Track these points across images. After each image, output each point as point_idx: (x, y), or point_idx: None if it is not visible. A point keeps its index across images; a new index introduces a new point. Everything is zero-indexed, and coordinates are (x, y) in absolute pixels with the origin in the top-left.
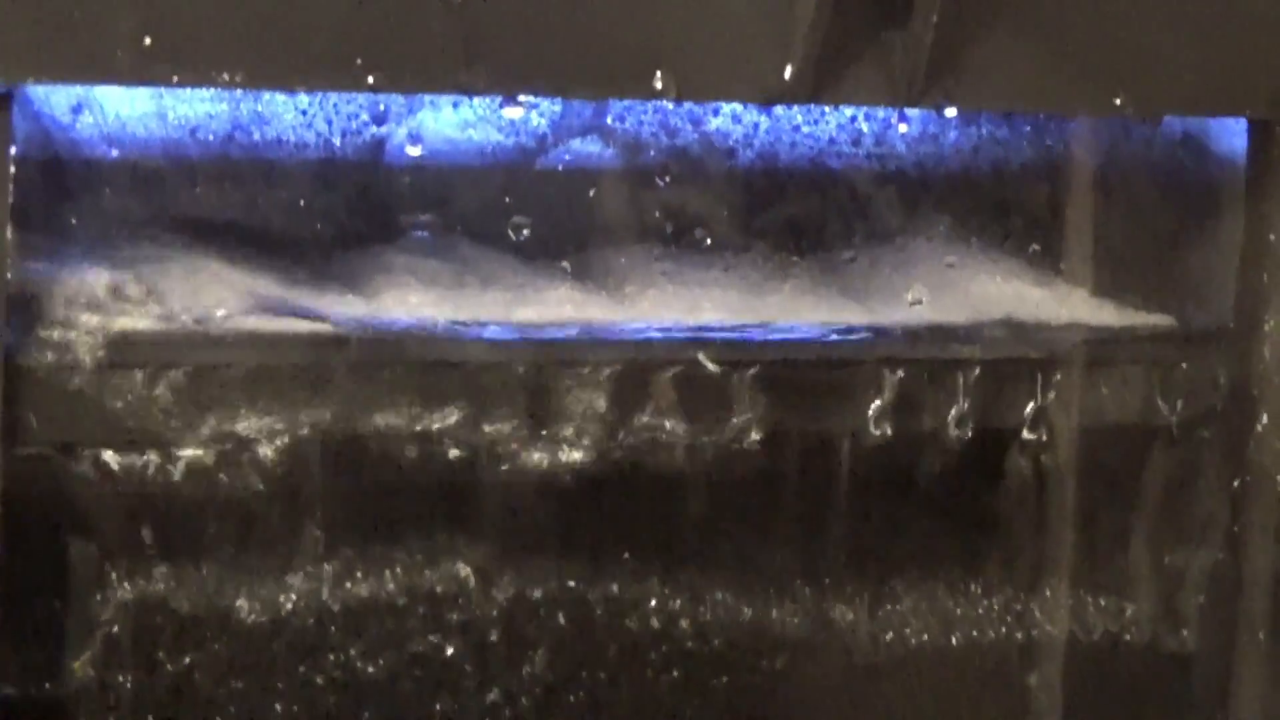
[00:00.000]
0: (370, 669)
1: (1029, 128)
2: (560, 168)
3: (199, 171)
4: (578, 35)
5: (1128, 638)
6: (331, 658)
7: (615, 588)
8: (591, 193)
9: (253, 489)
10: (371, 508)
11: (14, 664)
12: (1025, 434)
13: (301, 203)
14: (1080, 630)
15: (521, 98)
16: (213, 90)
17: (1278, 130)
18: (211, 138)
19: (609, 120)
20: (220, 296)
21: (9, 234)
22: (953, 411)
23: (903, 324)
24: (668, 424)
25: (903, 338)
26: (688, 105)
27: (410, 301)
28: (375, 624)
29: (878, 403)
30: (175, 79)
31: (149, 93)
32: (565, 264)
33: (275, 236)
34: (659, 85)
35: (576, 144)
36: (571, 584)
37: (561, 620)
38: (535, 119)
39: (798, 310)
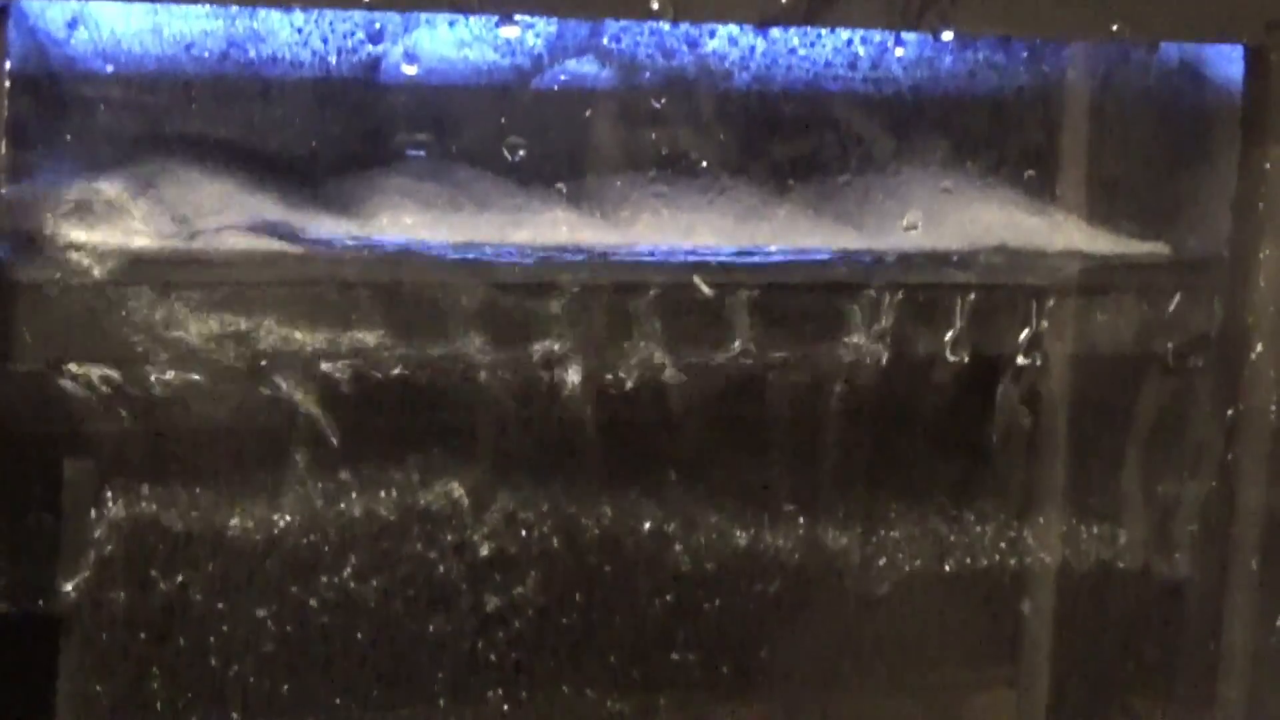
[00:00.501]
0: (364, 588)
1: (1025, 53)
2: (556, 88)
3: (194, 89)
4: None
5: (1121, 565)
6: (325, 578)
7: (607, 510)
8: (587, 114)
9: (248, 407)
10: (363, 428)
11: (7, 582)
12: (1020, 360)
13: (298, 121)
14: (1074, 557)
15: (517, 16)
16: (208, 6)
17: (1274, 58)
18: (207, 55)
19: (605, 41)
20: (216, 214)
21: (3, 149)
22: (947, 337)
23: (898, 249)
24: (661, 346)
25: (898, 263)
26: (684, 27)
27: (405, 223)
28: (369, 543)
29: (872, 327)
30: None
31: (144, 8)
32: (560, 186)
33: (271, 155)
34: (655, 6)
35: (572, 64)
36: (562, 506)
37: (554, 543)
38: (531, 39)
39: (793, 234)
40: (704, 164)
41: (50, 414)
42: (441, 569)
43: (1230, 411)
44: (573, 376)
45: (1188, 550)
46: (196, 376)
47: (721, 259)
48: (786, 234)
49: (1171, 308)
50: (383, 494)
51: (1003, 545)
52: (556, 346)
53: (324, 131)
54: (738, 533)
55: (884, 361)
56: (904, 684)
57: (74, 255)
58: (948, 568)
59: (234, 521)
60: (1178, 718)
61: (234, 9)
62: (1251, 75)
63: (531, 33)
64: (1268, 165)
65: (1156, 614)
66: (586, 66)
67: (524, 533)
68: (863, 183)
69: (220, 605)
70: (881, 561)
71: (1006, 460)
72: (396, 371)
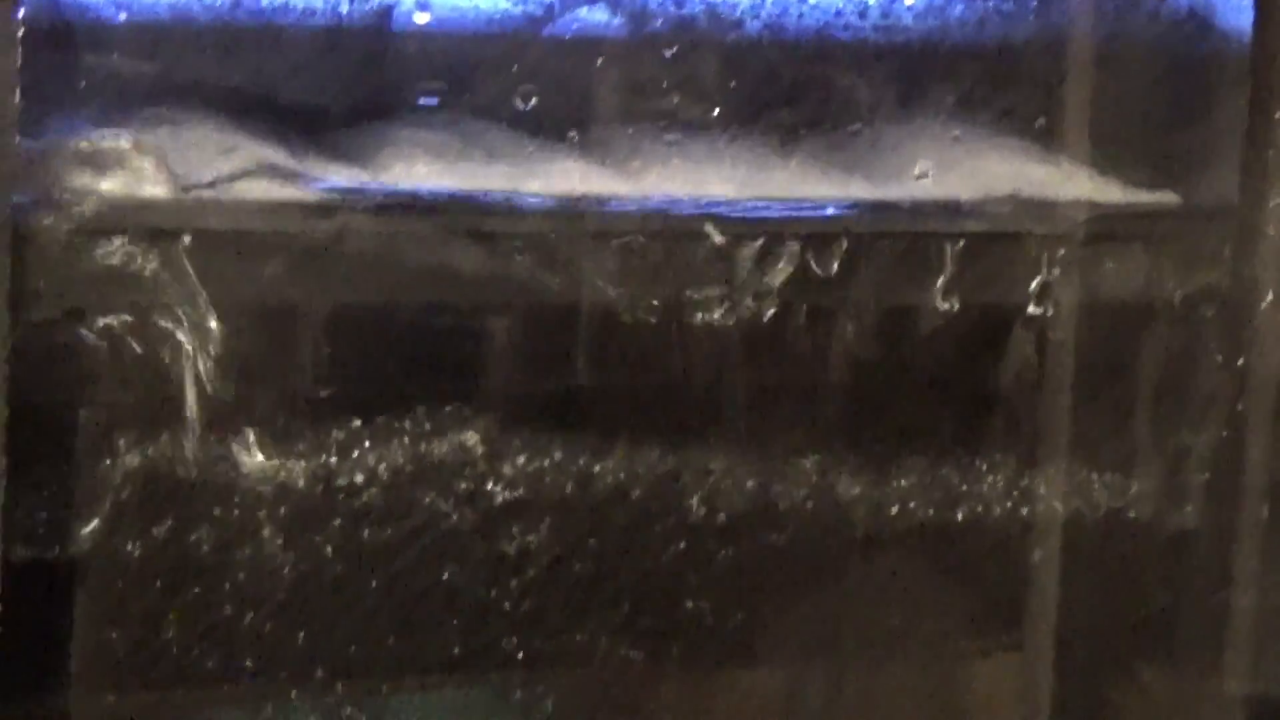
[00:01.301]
0: (376, 538)
1: (1035, 1)
2: (568, 37)
3: (206, 37)
4: None
5: (1129, 518)
6: (338, 523)
7: (620, 459)
8: (599, 63)
9: (262, 357)
10: (376, 375)
11: (23, 529)
12: (1030, 309)
13: (310, 70)
14: (1082, 509)
15: None
16: None
17: None
18: (219, 3)
19: None
20: (229, 163)
21: (17, 98)
22: (957, 286)
23: (909, 198)
24: (673, 295)
25: (909, 212)
26: None
27: (418, 173)
28: (381, 493)
29: (884, 276)
30: None
31: None
32: (572, 135)
33: (284, 104)
34: None
35: (584, 13)
36: (575, 456)
37: (567, 490)
38: None
39: (804, 183)
40: (715, 113)
41: (65, 364)
42: (454, 518)
43: (1240, 361)
44: (586, 326)
45: (1197, 503)
46: (210, 325)
47: (734, 208)
48: (798, 182)
49: (1181, 257)
50: (394, 443)
51: (1012, 495)
52: (565, 292)
53: (336, 81)
54: (749, 483)
55: (896, 309)
56: (911, 642)
57: (87, 206)
58: (958, 515)
59: (247, 472)
60: (1185, 675)
61: None
62: (1261, 23)
63: None
64: (1277, 114)
65: (1164, 569)
66: (598, 15)
67: (537, 482)
68: (873, 132)
69: (233, 554)
70: (892, 509)
71: (1018, 408)
72: (408, 320)
